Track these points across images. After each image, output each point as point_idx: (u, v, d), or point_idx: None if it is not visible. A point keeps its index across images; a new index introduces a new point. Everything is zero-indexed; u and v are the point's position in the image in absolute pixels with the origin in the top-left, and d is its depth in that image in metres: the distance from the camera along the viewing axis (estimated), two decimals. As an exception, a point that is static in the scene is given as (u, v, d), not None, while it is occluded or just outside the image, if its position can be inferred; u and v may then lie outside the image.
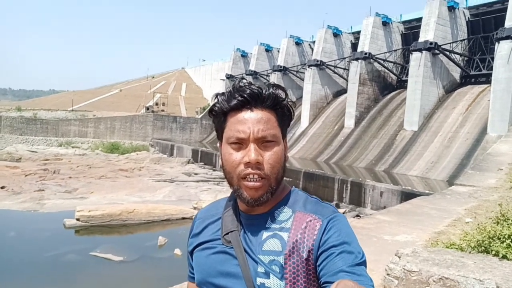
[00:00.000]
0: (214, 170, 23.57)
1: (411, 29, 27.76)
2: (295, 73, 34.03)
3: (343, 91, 29.44)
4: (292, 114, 0.96)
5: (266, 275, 0.86)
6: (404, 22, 28.77)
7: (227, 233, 0.94)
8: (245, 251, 0.90)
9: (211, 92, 50.63)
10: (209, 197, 15.03)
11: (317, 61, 29.73)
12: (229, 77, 41.56)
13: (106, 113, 36.75)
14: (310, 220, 0.89)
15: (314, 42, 33.34)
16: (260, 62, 38.80)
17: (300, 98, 32.26)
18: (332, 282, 0.75)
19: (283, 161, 0.92)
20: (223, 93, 0.94)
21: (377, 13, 27.14)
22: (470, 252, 2.72)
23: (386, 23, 27.45)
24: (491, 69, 19.71)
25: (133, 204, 12.29)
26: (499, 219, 3.03)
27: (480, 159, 12.73)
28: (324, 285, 0.81)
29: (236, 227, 0.94)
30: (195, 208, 12.73)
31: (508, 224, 2.73)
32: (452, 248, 2.90)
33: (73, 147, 30.36)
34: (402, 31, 28.54)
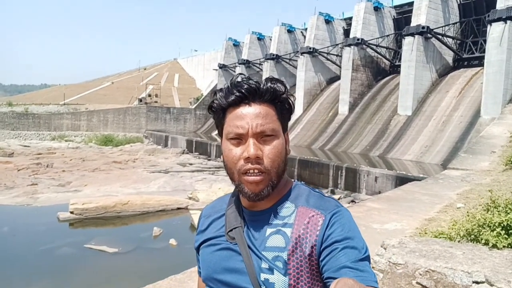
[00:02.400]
0: (209, 160, 23.52)
1: (403, 14, 27.55)
2: (288, 61, 33.81)
3: (337, 77, 29.32)
4: (292, 107, 0.96)
5: (270, 270, 0.86)
6: (395, 7, 28.54)
7: (231, 230, 0.95)
8: (249, 247, 0.91)
9: (204, 82, 50.31)
10: (204, 187, 15.02)
11: (310, 48, 29.52)
12: (222, 66, 41.23)
13: (99, 106, 36.42)
14: (313, 215, 0.88)
15: (306, 29, 33.07)
16: (253, 51, 38.47)
17: (293, 85, 32.10)
18: (334, 278, 0.75)
19: (284, 155, 0.93)
20: (221, 89, 0.93)
21: (369, -3, 26.89)
22: (459, 241, 2.68)
23: (377, 8, 27.21)
24: (484, 51, 19.65)
25: (127, 195, 12.24)
26: (489, 205, 3.00)
27: (474, 142, 12.76)
28: (327, 280, 0.81)
29: (239, 224, 0.95)
30: (190, 198, 12.73)
31: (498, 211, 2.70)
32: (440, 237, 2.85)
33: (66, 141, 30.14)
34: (394, 16, 28.33)
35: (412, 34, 21.94)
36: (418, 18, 22.23)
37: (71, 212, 10.22)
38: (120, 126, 34.71)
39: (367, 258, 0.81)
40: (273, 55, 33.63)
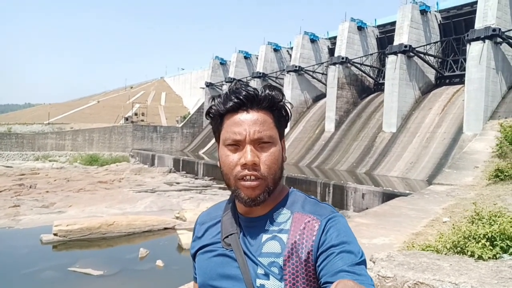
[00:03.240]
0: (196, 179, 23.35)
1: (386, 33, 28.31)
2: (274, 79, 34.20)
3: (323, 95, 29.72)
4: (289, 115, 0.96)
5: (266, 276, 0.86)
6: (378, 27, 29.33)
7: (227, 236, 0.95)
8: (245, 253, 0.90)
9: (191, 101, 50.39)
10: (191, 206, 14.87)
11: (296, 66, 29.98)
12: (209, 85, 41.45)
13: (84, 125, 36.05)
14: (309, 221, 0.89)
15: (292, 48, 33.63)
16: (239, 69, 38.87)
17: (280, 103, 32.28)
18: (332, 282, 0.75)
19: (281, 161, 0.93)
20: (219, 96, 0.94)
21: (352, 18, 27.60)
22: (446, 254, 2.70)
23: (361, 27, 27.93)
24: (464, 69, 20.22)
25: (113, 216, 12.02)
26: (474, 218, 3.05)
27: (457, 158, 12.99)
28: (324, 285, 0.80)
29: (235, 230, 0.95)
30: (177, 217, 12.56)
31: (482, 223, 2.75)
32: (428, 250, 2.88)
33: (50, 161, 29.60)
34: (377, 35, 29.08)
35: (395, 53, 22.51)
36: (401, 37, 22.86)
37: (55, 234, 9.97)
38: (106, 145, 34.34)
39: (363, 262, 0.82)
40: (260, 73, 34.01)
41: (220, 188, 20.03)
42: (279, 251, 0.88)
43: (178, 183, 21.57)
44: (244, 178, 0.88)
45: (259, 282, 0.87)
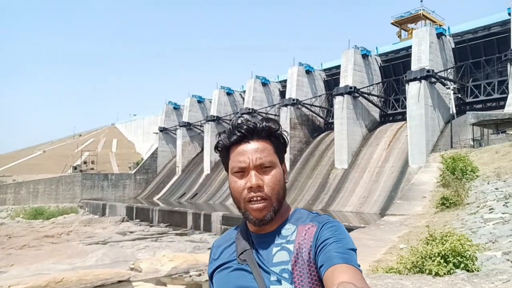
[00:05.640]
0: (151, 226, 22.45)
1: (332, 76, 30.05)
2: (228, 122, 34.59)
3: (276, 136, 30.39)
4: (287, 141, 1.10)
5: (279, 282, 0.97)
6: (325, 70, 31.12)
7: (242, 253, 1.06)
8: (259, 265, 1.01)
9: (144, 146, 49.40)
10: (147, 255, 14.16)
11: (249, 109, 30.71)
12: (163, 129, 41.06)
13: (28, 177, 33.94)
14: (309, 228, 1.02)
15: (244, 91, 34.55)
16: (193, 113, 39.03)
17: (235, 145, 32.60)
18: (327, 265, 0.88)
19: (283, 182, 1.06)
20: (224, 131, 1.09)
21: (300, 62, 29.13)
22: (407, 274, 2.82)
23: (309, 71, 29.48)
24: (405, 107, 21.77)
25: (61, 272, 11.14)
26: (428, 240, 3.23)
27: (406, 190, 13.65)
28: (321, 269, 0.91)
29: (248, 247, 1.06)
30: (132, 269, 11.88)
31: (436, 243, 2.92)
32: (391, 272, 2.99)
33: (-12, 217, 27.27)
34: (324, 78, 30.77)
35: (342, 94, 23.84)
36: (346, 80, 24.35)
37: (-5, 297, 9.04)
38: (52, 197, 32.37)
39: (354, 251, 0.94)
40: (214, 116, 34.35)
41: (177, 234, 19.37)
42: (288, 259, 0.99)
43: (132, 232, 20.60)
44: (252, 200, 1.01)
45: None
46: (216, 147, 1.10)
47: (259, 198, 1.00)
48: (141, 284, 10.29)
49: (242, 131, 1.03)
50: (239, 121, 1.07)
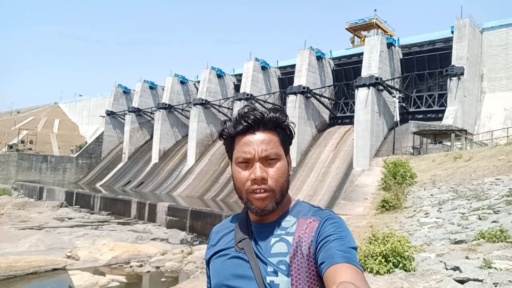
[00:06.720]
0: (92, 213, 21.58)
1: (287, 74, 30.53)
2: (180, 111, 34.05)
3: (228, 129, 30.38)
4: (293, 133, 1.08)
5: (275, 273, 0.97)
6: (280, 68, 31.54)
7: (240, 241, 1.05)
8: (256, 255, 1.00)
9: (89, 129, 47.17)
10: (86, 244, 13.62)
11: (202, 100, 30.38)
12: (110, 113, 39.43)
13: (-45, 152, 31.15)
14: (310, 222, 1.01)
15: (198, 81, 34.11)
16: (144, 100, 37.88)
17: (186, 136, 32.16)
18: (328, 263, 0.88)
19: (287, 175, 1.04)
20: (230, 119, 1.06)
21: (256, 58, 29.28)
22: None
23: (265, 67, 29.72)
24: (353, 111, 22.69)
25: (-11, 258, 10.41)
26: (371, 239, 3.43)
27: (350, 191, 14.27)
28: (321, 266, 0.91)
29: (247, 236, 1.05)
30: (68, 257, 11.38)
31: (378, 243, 3.11)
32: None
33: None
34: (279, 76, 31.18)
35: (295, 93, 24.33)
36: (300, 79, 24.87)
37: None
38: (-18, 177, 30.00)
39: (356, 249, 0.94)
40: (166, 104, 33.59)
41: (119, 223, 18.77)
42: (286, 251, 0.99)
43: (70, 218, 19.68)
44: (255, 191, 1.00)
45: (268, 279, 0.97)
46: (220, 135, 1.08)
47: (262, 191, 0.99)
48: (78, 273, 9.90)
49: (249, 121, 1.01)
50: (245, 110, 1.05)
